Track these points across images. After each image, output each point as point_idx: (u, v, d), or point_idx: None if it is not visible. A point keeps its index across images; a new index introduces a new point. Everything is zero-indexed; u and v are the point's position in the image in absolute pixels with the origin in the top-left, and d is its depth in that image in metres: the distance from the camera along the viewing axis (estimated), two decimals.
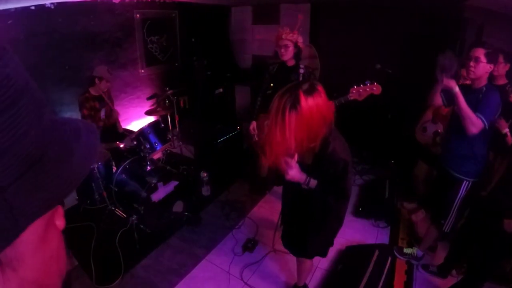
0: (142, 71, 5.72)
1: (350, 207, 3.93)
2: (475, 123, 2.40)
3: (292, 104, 1.72)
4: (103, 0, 4.77)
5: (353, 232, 3.59)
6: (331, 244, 2.51)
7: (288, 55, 3.46)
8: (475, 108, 2.42)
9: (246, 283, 3.09)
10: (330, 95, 3.17)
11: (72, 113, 4.67)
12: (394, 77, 4.11)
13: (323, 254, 2.55)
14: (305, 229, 2.38)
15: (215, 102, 6.02)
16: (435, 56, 2.58)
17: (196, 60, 6.01)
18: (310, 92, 1.75)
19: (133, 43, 5.44)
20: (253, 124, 3.73)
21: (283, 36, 3.40)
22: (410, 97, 4.08)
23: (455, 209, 2.83)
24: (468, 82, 2.75)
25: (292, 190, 2.30)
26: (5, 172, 0.34)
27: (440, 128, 3.36)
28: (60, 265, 0.51)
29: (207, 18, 6.16)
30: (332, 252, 3.28)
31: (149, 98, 5.15)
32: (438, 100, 2.80)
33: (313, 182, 1.98)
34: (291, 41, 3.42)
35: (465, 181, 2.72)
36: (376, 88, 2.98)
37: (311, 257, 2.61)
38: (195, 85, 5.88)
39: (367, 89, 2.99)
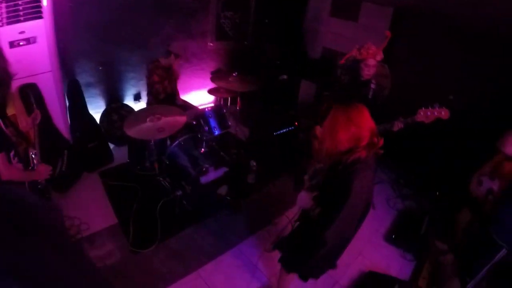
0: (211, 44, 5.92)
1: (382, 231, 4.04)
2: None
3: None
4: None
5: (379, 257, 3.67)
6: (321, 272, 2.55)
7: (371, 75, 3.53)
8: None
9: (269, 280, 3.26)
10: (395, 112, 3.14)
11: (136, 74, 4.97)
12: (466, 112, 3.91)
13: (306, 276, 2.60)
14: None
15: (277, 88, 6.05)
16: None
17: (266, 42, 6.01)
18: (346, 103, 1.96)
19: (206, 15, 5.62)
20: (318, 128, 3.78)
21: (376, 57, 3.44)
22: (479, 140, 3.89)
23: (485, 272, 2.84)
24: None
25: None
26: None
27: (496, 186, 3.10)
28: None
29: (285, 1, 6.17)
30: (355, 270, 3.48)
31: (213, 73, 5.26)
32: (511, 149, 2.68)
33: (317, 210, 2.06)
34: (377, 62, 3.47)
35: (504, 249, 2.71)
36: (445, 113, 3.01)
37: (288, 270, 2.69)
38: (261, 68, 5.90)
39: (435, 113, 3.02)
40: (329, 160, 2.01)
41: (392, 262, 3.65)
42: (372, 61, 3.44)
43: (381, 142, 1.93)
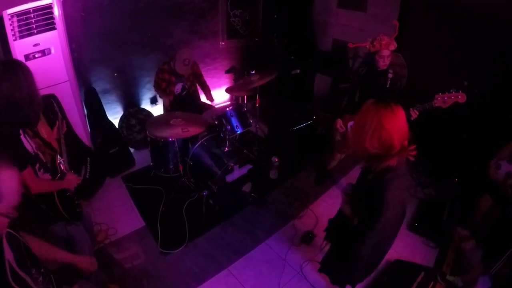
0: (223, 43, 6.01)
1: (405, 220, 4.02)
2: None
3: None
4: None
5: (404, 246, 3.70)
6: (358, 281, 2.61)
7: (386, 65, 3.59)
8: None
9: (300, 273, 3.32)
10: (411, 100, 3.17)
11: (151, 78, 5.05)
12: (481, 98, 3.90)
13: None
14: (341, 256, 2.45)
15: (292, 83, 6.12)
16: None
17: (276, 38, 6.05)
18: (379, 104, 1.81)
19: (216, 15, 5.70)
20: (339, 122, 3.82)
21: (389, 48, 3.49)
22: (496, 125, 3.89)
23: (508, 255, 2.87)
24: None
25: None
26: None
27: None
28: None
29: None
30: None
31: (227, 71, 5.30)
32: None
33: (356, 220, 2.06)
34: (391, 51, 3.52)
35: None
36: (461, 97, 3.06)
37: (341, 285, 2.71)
38: (274, 63, 5.93)
39: (452, 97, 3.08)
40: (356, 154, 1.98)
41: (417, 250, 3.70)
42: (386, 52, 3.50)
43: (413, 147, 1.81)
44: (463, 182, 4.43)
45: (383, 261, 3.42)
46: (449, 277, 3.31)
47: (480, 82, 4.08)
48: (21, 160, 2.05)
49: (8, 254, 1.33)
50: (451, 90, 3.07)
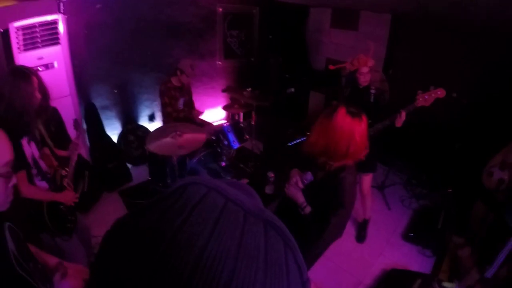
0: (219, 63, 6.20)
1: (400, 231, 4.17)
2: None
3: (329, 113, 2.00)
4: None
5: (400, 255, 3.79)
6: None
7: (366, 82, 3.74)
8: None
9: None
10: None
11: (149, 95, 5.16)
12: (471, 108, 4.09)
13: None
14: None
15: (286, 101, 6.26)
16: None
17: (271, 57, 6.25)
18: (353, 114, 1.96)
19: (213, 35, 5.92)
20: None
21: (367, 64, 3.66)
22: (487, 133, 4.06)
23: (502, 258, 2.98)
24: None
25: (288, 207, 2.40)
26: None
27: (506, 176, 3.32)
28: None
29: (286, 16, 6.44)
30: (377, 270, 3.60)
31: (224, 91, 5.43)
32: None
33: (308, 208, 2.15)
34: (370, 68, 3.69)
35: None
36: (441, 92, 3.17)
37: None
38: (269, 83, 6.08)
39: (432, 94, 3.19)
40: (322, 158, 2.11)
41: (413, 259, 3.77)
42: (364, 69, 3.67)
43: (366, 152, 2.05)
44: (457, 191, 4.55)
45: (380, 270, 3.51)
46: (446, 284, 3.38)
47: (469, 94, 4.30)
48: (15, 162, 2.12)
49: (11, 245, 1.37)
50: (430, 88, 3.20)
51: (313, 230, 2.13)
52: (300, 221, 2.18)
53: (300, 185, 2.19)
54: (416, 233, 4.03)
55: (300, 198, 2.17)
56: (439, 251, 3.84)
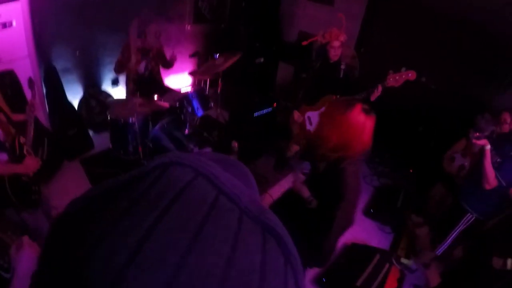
0: (188, 27, 5.96)
1: (361, 207, 4.25)
2: (491, 183, 2.82)
3: (343, 108, 1.94)
4: None
5: (360, 230, 3.88)
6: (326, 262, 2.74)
7: (337, 56, 3.73)
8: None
9: None
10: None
11: (113, 58, 4.88)
12: (438, 94, 4.20)
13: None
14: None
15: (255, 71, 6.17)
16: (489, 87, 2.77)
17: (242, 25, 6.10)
18: (367, 111, 1.93)
19: None
20: (296, 113, 3.98)
21: (338, 39, 3.63)
22: (451, 120, 4.16)
23: (452, 237, 3.24)
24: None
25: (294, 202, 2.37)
26: None
27: (467, 163, 3.46)
28: None
29: None
30: (339, 244, 3.55)
31: (191, 56, 5.28)
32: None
33: (315, 202, 2.15)
34: (341, 42, 3.66)
35: (469, 214, 3.12)
36: (412, 74, 3.21)
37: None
38: (238, 50, 5.96)
39: (403, 76, 3.23)
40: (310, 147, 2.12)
41: (372, 235, 3.91)
42: (336, 43, 3.65)
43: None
44: (417, 172, 4.71)
45: (341, 245, 3.62)
46: (404, 260, 3.57)
47: (438, 80, 4.38)
48: None
49: None
50: (402, 70, 3.23)
51: (321, 225, 2.14)
52: (307, 216, 2.19)
53: (301, 176, 2.19)
54: (377, 209, 4.15)
55: (306, 192, 2.16)
56: (398, 228, 3.99)
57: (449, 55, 4.47)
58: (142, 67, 4.45)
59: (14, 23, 3.53)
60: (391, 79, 3.23)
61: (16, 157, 2.39)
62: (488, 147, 2.77)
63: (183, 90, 5.49)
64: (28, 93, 3.74)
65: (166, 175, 0.37)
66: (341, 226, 2.14)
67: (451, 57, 4.45)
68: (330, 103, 2.05)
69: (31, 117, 2.67)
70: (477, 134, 2.81)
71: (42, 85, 4.32)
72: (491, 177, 2.80)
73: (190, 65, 6.24)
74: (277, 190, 4.29)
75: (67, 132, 4.37)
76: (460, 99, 4.33)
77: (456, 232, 3.19)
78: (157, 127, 3.88)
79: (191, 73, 4.55)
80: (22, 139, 2.52)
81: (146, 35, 4.24)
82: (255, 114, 4.98)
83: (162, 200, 0.33)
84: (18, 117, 2.65)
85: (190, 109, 3.95)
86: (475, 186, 3.01)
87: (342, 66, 3.75)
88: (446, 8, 4.36)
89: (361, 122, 1.91)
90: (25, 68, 3.78)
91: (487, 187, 2.84)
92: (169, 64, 4.63)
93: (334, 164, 2.03)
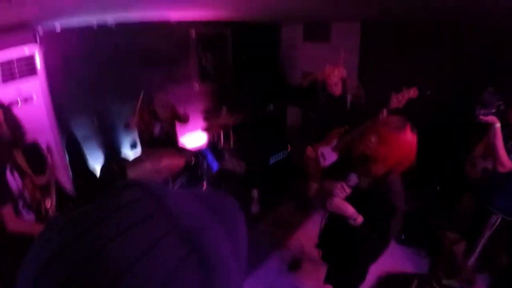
0: (196, 87, 6.18)
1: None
2: (505, 164, 2.69)
3: (397, 127, 2.00)
4: (161, 20, 5.14)
5: (394, 259, 3.73)
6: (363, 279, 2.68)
7: (339, 90, 3.83)
8: None
9: None
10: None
11: None
12: (445, 104, 4.27)
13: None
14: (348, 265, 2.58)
15: (265, 119, 6.34)
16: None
17: (247, 77, 6.38)
18: (413, 130, 2.02)
19: (188, 60, 5.94)
20: (309, 149, 4.10)
21: (334, 74, 3.76)
22: (464, 127, 4.13)
23: (481, 243, 3.09)
24: None
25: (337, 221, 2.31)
26: None
27: (490, 165, 3.30)
28: None
29: (259, 35, 6.54)
30: (373, 277, 3.51)
31: (203, 113, 5.43)
32: None
33: (360, 218, 2.10)
34: (340, 77, 3.76)
35: (493, 216, 2.97)
36: (413, 92, 3.24)
37: None
38: (246, 102, 6.13)
39: (405, 95, 3.26)
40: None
41: (408, 262, 3.78)
42: (333, 79, 3.77)
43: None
44: (444, 187, 4.59)
45: (375, 277, 3.51)
46: (445, 281, 3.39)
47: (443, 91, 4.38)
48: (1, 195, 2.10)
49: None
50: (403, 89, 3.28)
51: (374, 239, 2.13)
52: (352, 234, 2.18)
53: (347, 190, 2.13)
54: (408, 234, 4.03)
55: (349, 209, 2.10)
56: (434, 249, 3.85)
57: (448, 62, 4.53)
58: (157, 130, 4.57)
59: (34, 97, 3.77)
60: (394, 101, 3.29)
61: (43, 218, 2.48)
62: (498, 125, 2.67)
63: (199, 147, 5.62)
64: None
65: (122, 193, 0.44)
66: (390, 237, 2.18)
67: (450, 65, 4.51)
68: (380, 125, 2.07)
69: (52, 178, 2.78)
70: (483, 110, 2.74)
71: (64, 153, 4.50)
72: (504, 158, 2.68)
73: (201, 122, 6.37)
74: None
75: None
76: (468, 104, 4.29)
77: (484, 238, 3.05)
78: (176, 186, 3.96)
79: (203, 130, 4.68)
80: (47, 203, 2.60)
81: (156, 107, 4.38)
82: (271, 161, 5.06)
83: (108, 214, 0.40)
84: (40, 180, 2.76)
85: (205, 164, 4.04)
86: (496, 182, 2.93)
87: (349, 98, 3.84)
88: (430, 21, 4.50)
89: (412, 140, 2.01)
90: (48, 138, 3.95)
91: (502, 169, 2.72)
92: (185, 119, 4.75)
93: (381, 178, 2.10)
